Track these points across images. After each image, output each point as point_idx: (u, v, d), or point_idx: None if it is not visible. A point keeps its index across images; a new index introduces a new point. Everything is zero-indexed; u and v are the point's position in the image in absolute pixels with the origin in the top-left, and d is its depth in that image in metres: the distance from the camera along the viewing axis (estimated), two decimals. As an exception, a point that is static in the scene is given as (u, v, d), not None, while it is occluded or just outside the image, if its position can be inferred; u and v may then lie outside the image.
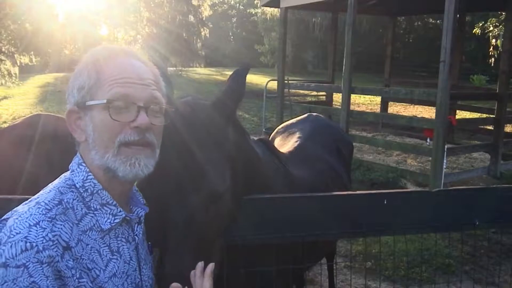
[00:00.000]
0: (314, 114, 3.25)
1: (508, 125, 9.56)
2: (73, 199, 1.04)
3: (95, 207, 1.06)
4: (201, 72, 28.30)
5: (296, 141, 2.63)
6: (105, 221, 1.06)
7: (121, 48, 1.14)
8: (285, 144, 2.67)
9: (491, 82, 20.36)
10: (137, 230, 1.16)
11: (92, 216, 1.05)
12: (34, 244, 0.92)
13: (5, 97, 15.33)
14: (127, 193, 1.16)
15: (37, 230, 0.94)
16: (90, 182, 1.07)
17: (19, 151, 2.47)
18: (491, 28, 13.85)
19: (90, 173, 1.07)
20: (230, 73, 1.46)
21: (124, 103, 1.04)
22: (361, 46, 28.10)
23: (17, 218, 0.97)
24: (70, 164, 1.12)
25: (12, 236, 0.93)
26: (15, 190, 2.15)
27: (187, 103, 1.36)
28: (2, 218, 1.01)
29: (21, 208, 1.01)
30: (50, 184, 1.10)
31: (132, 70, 1.08)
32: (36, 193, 1.08)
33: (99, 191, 1.07)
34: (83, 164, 1.08)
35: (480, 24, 14.52)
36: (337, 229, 1.60)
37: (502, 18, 12.23)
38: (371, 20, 31.85)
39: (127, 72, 1.07)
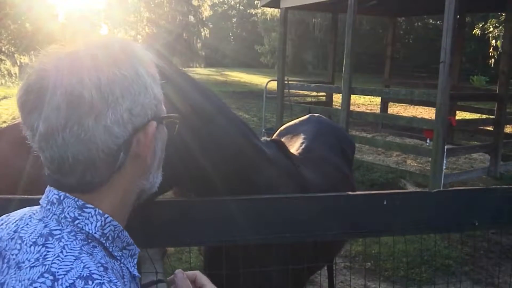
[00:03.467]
0: (316, 115, 3.23)
1: (508, 126, 9.56)
2: (103, 255, 0.78)
3: (117, 254, 0.82)
4: (201, 72, 28.29)
5: (302, 143, 2.59)
6: (132, 266, 0.85)
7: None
8: (290, 146, 2.64)
9: (491, 83, 20.40)
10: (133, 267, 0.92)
11: (122, 266, 0.82)
12: None
13: (5, 97, 15.34)
14: None
15: None
16: (109, 226, 0.80)
17: (19, 151, 2.46)
18: (491, 29, 13.89)
19: (106, 215, 0.80)
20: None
21: None
22: (361, 46, 28.11)
23: None
24: (59, 209, 0.79)
25: None
26: (15, 190, 2.14)
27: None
28: None
29: None
30: (43, 250, 0.74)
31: None
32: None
33: (120, 234, 0.82)
34: (89, 206, 0.79)
35: (480, 25, 14.58)
36: (336, 230, 1.59)
37: (502, 19, 12.26)
38: (371, 21, 31.92)
39: None
